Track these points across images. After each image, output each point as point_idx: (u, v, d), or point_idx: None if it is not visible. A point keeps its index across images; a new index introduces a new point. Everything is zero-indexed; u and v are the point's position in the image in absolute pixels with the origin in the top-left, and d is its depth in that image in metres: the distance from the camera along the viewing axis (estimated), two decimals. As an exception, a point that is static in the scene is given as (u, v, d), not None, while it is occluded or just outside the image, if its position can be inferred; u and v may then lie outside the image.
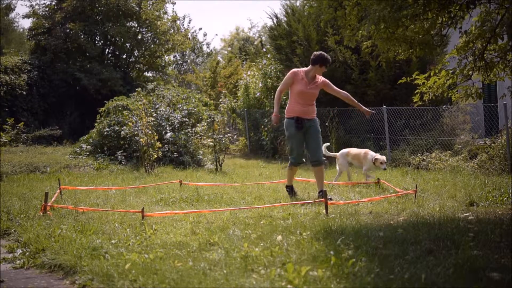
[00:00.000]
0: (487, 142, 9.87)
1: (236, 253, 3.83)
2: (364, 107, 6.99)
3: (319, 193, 6.67)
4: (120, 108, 13.23)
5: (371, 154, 7.96)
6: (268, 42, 19.38)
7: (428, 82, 6.55)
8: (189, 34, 29.48)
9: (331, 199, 6.23)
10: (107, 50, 24.05)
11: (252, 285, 3.15)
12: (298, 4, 15.30)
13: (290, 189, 7.06)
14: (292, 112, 6.78)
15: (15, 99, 18.91)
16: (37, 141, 15.94)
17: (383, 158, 7.86)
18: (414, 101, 6.68)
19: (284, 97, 10.42)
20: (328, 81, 7.01)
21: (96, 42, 23.43)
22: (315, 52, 6.95)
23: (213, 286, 3.17)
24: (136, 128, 10.77)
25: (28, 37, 23.42)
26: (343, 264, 3.38)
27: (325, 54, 6.85)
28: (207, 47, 38.58)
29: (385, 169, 7.92)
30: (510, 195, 6.15)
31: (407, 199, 6.31)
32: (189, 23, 56.15)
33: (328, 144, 8.60)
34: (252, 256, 3.71)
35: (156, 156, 10.60)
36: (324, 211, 5.50)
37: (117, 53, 24.23)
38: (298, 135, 6.76)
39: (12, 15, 36.56)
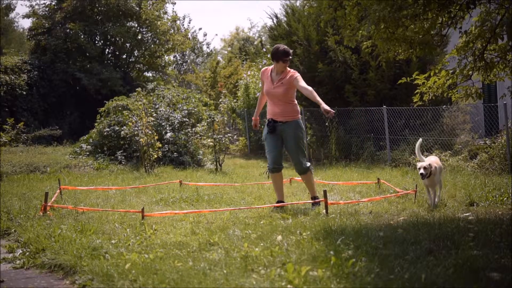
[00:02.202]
0: (487, 142, 9.86)
1: (236, 253, 3.83)
2: (324, 105, 5.56)
3: (312, 198, 6.13)
4: (120, 108, 13.24)
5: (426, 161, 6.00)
6: (268, 42, 19.41)
7: (428, 82, 6.54)
8: (189, 34, 29.48)
9: (318, 204, 5.88)
10: (107, 50, 24.06)
11: (252, 285, 3.15)
12: (298, 4, 15.30)
13: (279, 205, 5.96)
14: (267, 113, 6.15)
15: (15, 99, 18.90)
16: (37, 141, 15.92)
17: (421, 164, 5.88)
18: (414, 101, 6.67)
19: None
20: (297, 75, 5.88)
21: (96, 42, 23.43)
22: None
23: (213, 286, 3.17)
24: (136, 128, 10.77)
25: (28, 37, 23.44)
26: (343, 264, 3.38)
27: (280, 46, 5.90)
28: (207, 47, 38.65)
29: (422, 178, 5.87)
30: (510, 195, 6.15)
31: (407, 199, 6.31)
32: (189, 23, 56.16)
33: (421, 140, 6.47)
34: (252, 256, 3.71)
35: (156, 156, 10.61)
36: (324, 211, 5.50)
37: (117, 53, 24.23)
38: (271, 138, 6.05)
39: (12, 15, 36.62)
